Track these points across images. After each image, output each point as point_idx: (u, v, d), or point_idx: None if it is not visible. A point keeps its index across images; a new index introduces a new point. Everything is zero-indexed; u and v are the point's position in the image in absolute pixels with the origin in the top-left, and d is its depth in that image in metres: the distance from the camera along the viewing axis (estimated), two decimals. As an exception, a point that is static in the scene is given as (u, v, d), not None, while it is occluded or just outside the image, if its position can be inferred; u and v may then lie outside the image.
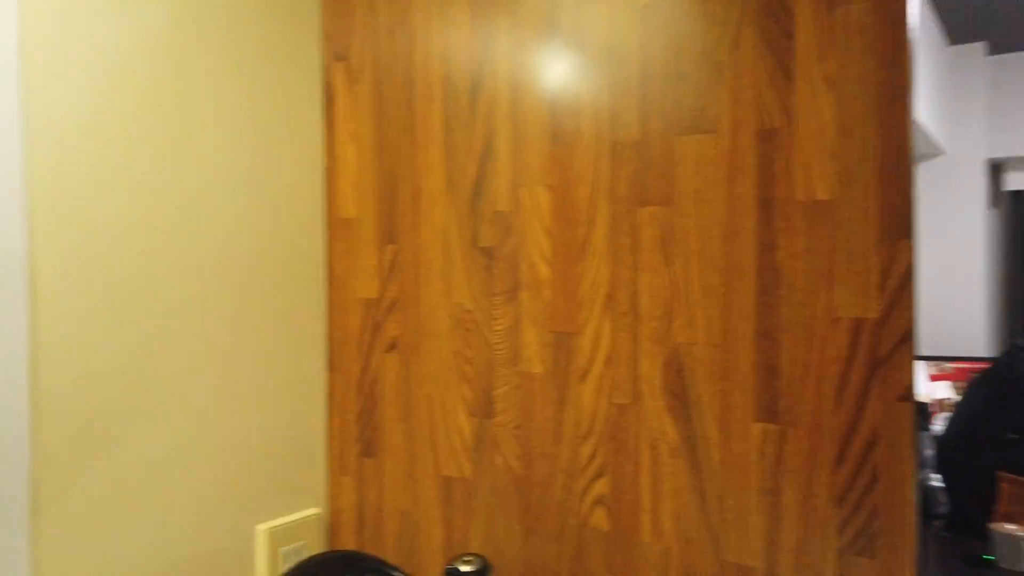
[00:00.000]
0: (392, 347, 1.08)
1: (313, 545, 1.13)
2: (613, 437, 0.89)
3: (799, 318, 0.78)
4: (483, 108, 0.99)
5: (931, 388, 2.48)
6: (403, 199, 1.06)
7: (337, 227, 1.13)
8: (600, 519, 0.91)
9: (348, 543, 1.14)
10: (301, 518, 1.12)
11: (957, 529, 1.71)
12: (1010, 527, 1.55)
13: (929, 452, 1.78)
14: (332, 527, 1.15)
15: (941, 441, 1.78)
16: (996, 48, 2.93)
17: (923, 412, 1.87)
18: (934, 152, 2.84)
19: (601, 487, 0.91)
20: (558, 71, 0.92)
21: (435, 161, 1.03)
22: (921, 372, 2.51)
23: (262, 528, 1.06)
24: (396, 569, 0.84)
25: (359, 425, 1.12)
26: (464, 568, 0.87)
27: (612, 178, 0.89)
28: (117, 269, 0.87)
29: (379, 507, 1.10)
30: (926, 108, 2.51)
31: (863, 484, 0.75)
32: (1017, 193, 3.06)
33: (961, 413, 1.77)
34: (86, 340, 0.84)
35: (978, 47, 2.93)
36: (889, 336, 0.73)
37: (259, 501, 1.06)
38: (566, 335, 0.93)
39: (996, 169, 3.15)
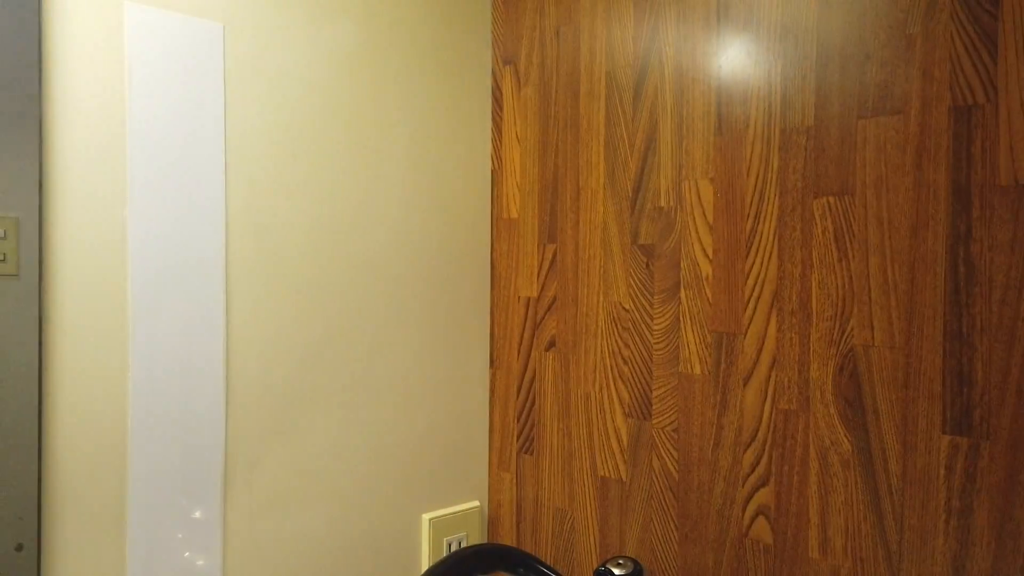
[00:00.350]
0: (551, 345, 1.09)
1: (474, 537, 1.17)
2: (778, 444, 0.84)
3: (998, 319, 0.70)
4: (647, 102, 0.98)
5: None
6: (564, 198, 1.07)
7: (501, 227, 1.16)
8: (762, 531, 0.86)
9: (507, 537, 1.16)
10: (463, 510, 1.15)
11: None
12: None
13: None
14: (492, 520, 1.18)
15: None
16: None
17: None
18: None
19: (764, 497, 0.86)
20: (727, 58, 0.89)
21: (597, 159, 1.03)
22: None
23: (427, 517, 1.11)
24: (546, 566, 0.84)
25: (519, 422, 1.14)
26: (616, 571, 0.86)
27: (782, 168, 0.85)
28: (299, 269, 0.95)
29: (536, 503, 1.11)
30: None
31: None
32: None
33: None
34: (271, 335, 0.92)
35: None
36: None
37: (425, 491, 1.11)
38: (728, 335, 0.89)
39: None
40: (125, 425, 0.80)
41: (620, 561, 0.88)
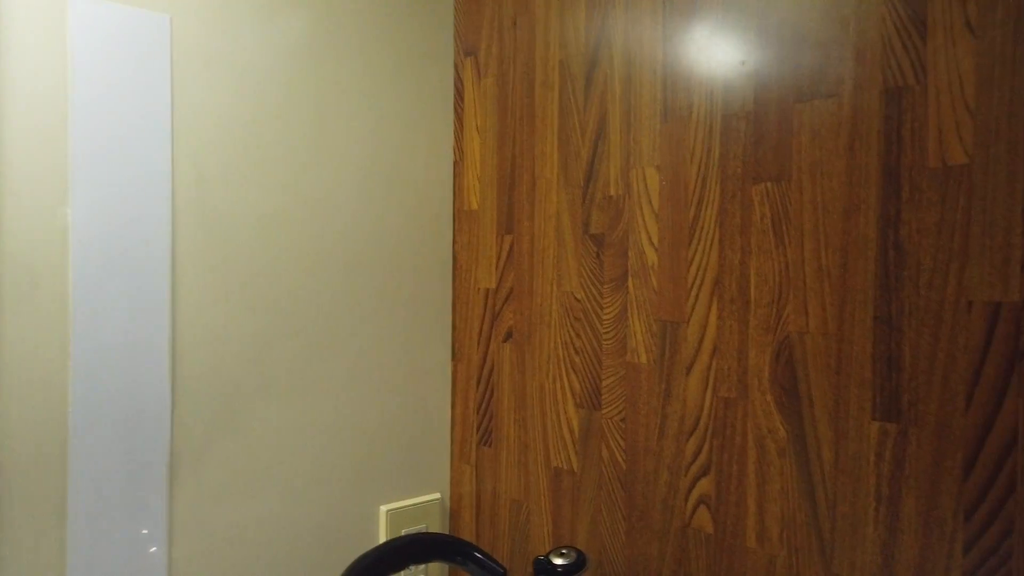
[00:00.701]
0: (508, 336, 1.10)
1: (433, 529, 1.17)
2: (719, 433, 0.85)
3: (926, 303, 0.70)
4: (597, 91, 0.98)
5: None
6: (521, 189, 1.08)
7: (463, 219, 1.17)
8: (704, 520, 0.86)
9: (467, 530, 1.16)
10: (423, 502, 1.16)
11: None
12: None
13: None
14: (453, 513, 1.19)
15: None
16: None
17: None
18: None
19: (705, 486, 0.86)
20: (671, 44, 0.90)
21: (551, 149, 1.04)
22: None
23: (385, 509, 1.12)
24: (483, 553, 0.85)
25: (479, 414, 1.15)
26: (557, 560, 0.86)
27: (723, 155, 0.85)
28: (251, 259, 0.97)
29: (495, 496, 1.12)
30: None
31: (997, 495, 0.65)
32: None
33: None
34: (221, 325, 0.94)
35: None
36: None
37: (383, 483, 1.12)
38: (672, 324, 0.89)
39: None
40: (65, 414, 0.82)
41: (563, 551, 0.89)
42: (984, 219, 0.66)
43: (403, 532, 1.13)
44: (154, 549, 0.88)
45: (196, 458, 0.93)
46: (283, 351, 1.00)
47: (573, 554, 0.88)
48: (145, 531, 0.87)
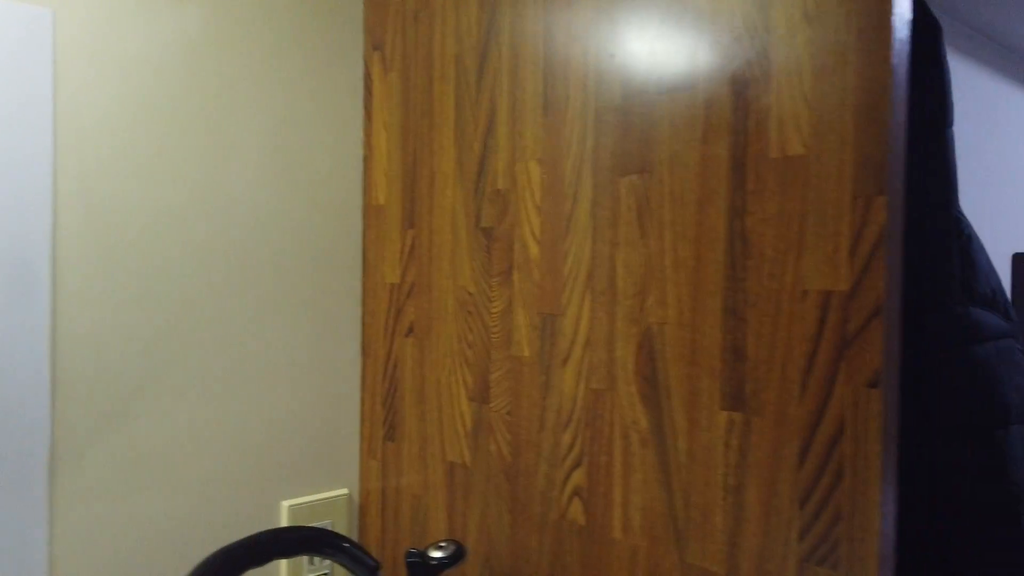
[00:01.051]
0: (410, 331, 1.11)
1: (340, 524, 1.19)
2: (590, 424, 0.86)
3: (767, 292, 0.71)
4: (488, 84, 0.99)
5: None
6: (422, 183, 1.10)
7: (370, 214, 1.19)
8: (577, 512, 0.87)
9: (374, 526, 1.18)
10: (329, 497, 1.17)
11: None
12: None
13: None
14: (362, 508, 1.20)
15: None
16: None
17: None
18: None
19: (579, 478, 0.87)
20: (552, 37, 0.91)
21: (448, 143, 1.05)
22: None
23: (286, 504, 1.13)
24: (360, 549, 0.86)
25: (384, 409, 1.16)
26: (433, 553, 0.88)
27: (596, 147, 0.86)
28: (141, 254, 0.98)
29: (397, 491, 1.13)
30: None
31: (827, 483, 0.66)
32: None
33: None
34: (107, 320, 0.95)
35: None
36: (859, 312, 0.64)
37: (286, 479, 1.13)
38: (552, 317, 0.90)
39: None
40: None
41: (442, 544, 0.90)
42: (818, 209, 0.68)
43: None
44: (28, 547, 0.90)
45: (79, 454, 0.94)
46: (177, 346, 1.01)
47: (452, 547, 0.89)
48: (23, 527, 0.89)
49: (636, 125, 0.83)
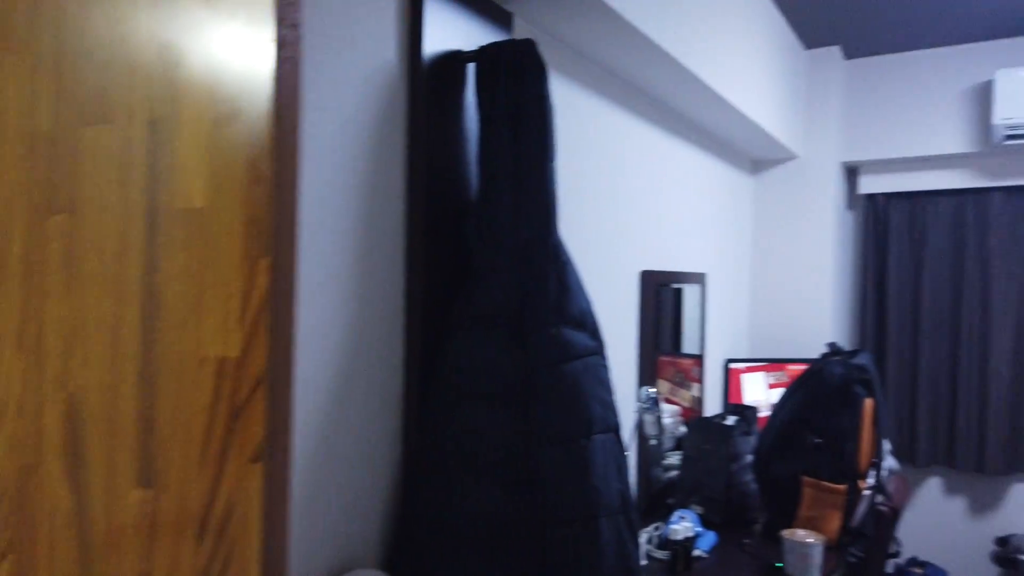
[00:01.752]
0: None
1: None
2: (21, 507, 0.74)
3: (173, 356, 0.82)
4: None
5: (768, 397, 2.78)
6: None
7: None
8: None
9: None
10: None
11: (771, 537, 1.77)
12: (800, 533, 1.56)
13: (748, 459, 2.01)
14: None
15: (756, 449, 1.87)
16: (852, 52, 3.23)
17: (749, 418, 2.17)
18: (788, 156, 3.13)
19: (7, 571, 0.67)
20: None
21: None
22: (759, 381, 2.80)
23: None
24: None
25: None
26: None
27: (29, 180, 0.73)
28: None
29: None
30: (780, 112, 2.79)
31: (219, 566, 0.78)
32: (871, 196, 3.49)
33: (774, 420, 1.81)
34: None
35: (835, 51, 3.17)
36: (247, 380, 0.80)
37: None
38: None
39: (852, 173, 3.44)
40: None
41: None
42: (216, 269, 0.81)
43: None
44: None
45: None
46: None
47: None
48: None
49: (65, 158, 0.80)
